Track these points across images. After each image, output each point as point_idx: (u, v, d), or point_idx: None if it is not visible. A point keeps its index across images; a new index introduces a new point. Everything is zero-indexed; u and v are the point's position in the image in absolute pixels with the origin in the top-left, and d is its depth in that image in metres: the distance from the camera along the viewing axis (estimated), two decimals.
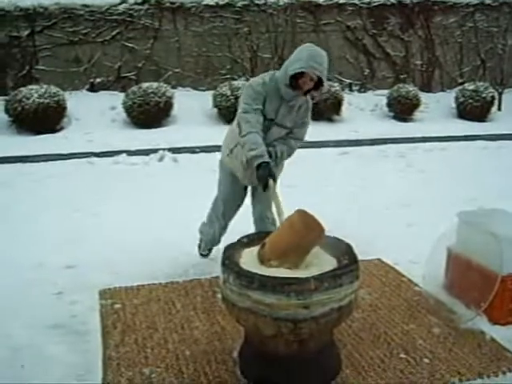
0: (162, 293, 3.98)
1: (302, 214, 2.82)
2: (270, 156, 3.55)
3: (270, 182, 3.34)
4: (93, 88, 11.15)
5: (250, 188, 4.03)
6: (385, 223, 5.34)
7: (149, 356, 3.18)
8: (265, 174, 3.35)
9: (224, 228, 4.19)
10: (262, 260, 2.82)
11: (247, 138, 3.43)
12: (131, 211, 5.75)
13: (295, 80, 3.41)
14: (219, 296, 3.31)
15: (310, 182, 6.83)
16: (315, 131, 10.00)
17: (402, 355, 3.22)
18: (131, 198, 6.26)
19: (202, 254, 4.44)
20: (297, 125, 3.72)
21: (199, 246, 4.45)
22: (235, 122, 3.69)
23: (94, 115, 10.04)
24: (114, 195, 6.37)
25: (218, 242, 4.26)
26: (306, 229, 2.79)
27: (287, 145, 3.74)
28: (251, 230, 3.92)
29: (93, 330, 3.47)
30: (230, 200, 4.04)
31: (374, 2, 12.38)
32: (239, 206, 4.09)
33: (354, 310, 2.95)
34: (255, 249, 2.91)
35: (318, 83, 3.46)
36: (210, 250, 4.40)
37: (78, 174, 7.50)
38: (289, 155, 3.81)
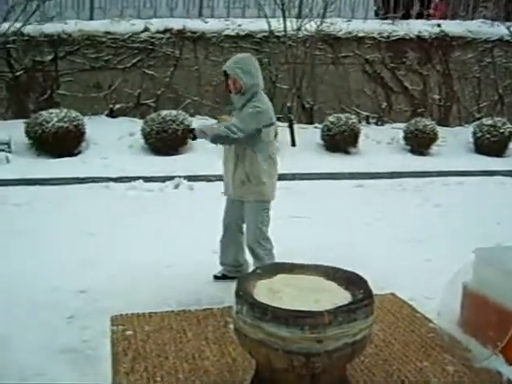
0: (174, 321, 3.96)
1: None
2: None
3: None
4: (112, 114, 11.26)
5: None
6: (400, 257, 5.29)
7: None
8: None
9: None
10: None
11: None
12: (145, 237, 5.76)
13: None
14: (231, 326, 3.28)
15: (324, 214, 6.80)
16: (331, 163, 10.10)
17: None
18: (146, 223, 6.27)
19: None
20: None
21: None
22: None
23: (112, 141, 10.12)
24: (128, 220, 6.40)
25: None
26: None
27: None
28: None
29: (103, 356, 3.46)
30: (226, 211, 4.66)
31: (393, 36, 12.45)
32: None
33: (368, 345, 2.91)
34: (270, 281, 2.89)
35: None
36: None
37: (94, 198, 7.55)
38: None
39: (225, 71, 4.29)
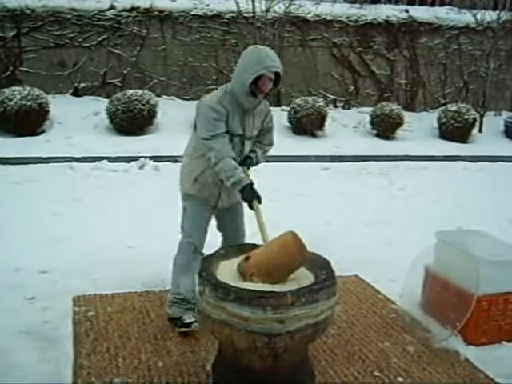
0: (137, 302, 3.94)
1: (296, 237, 2.80)
2: (251, 161, 3.49)
3: (255, 202, 3.21)
4: (77, 93, 11.08)
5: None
6: (364, 240, 5.35)
7: (120, 366, 3.13)
8: (249, 197, 3.21)
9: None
10: (243, 273, 2.79)
11: (220, 167, 3.22)
12: (109, 218, 5.70)
13: (254, 86, 3.22)
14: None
15: (290, 196, 6.82)
16: (298, 145, 10.11)
17: (376, 373, 3.21)
18: (110, 204, 6.21)
19: (189, 324, 3.50)
20: (265, 130, 3.57)
21: (179, 319, 3.56)
22: (192, 147, 3.53)
23: (77, 120, 9.95)
24: (92, 201, 6.32)
25: None
26: (299, 252, 2.78)
27: (263, 149, 3.62)
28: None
29: (65, 338, 3.42)
30: (203, 228, 3.60)
31: (361, 21, 12.49)
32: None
33: (330, 326, 2.94)
34: (233, 261, 2.89)
35: (275, 79, 3.31)
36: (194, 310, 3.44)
37: (58, 179, 7.43)
38: (264, 160, 3.69)
39: (277, 73, 3.30)
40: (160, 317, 3.72)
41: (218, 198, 3.53)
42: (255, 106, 3.36)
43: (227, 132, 3.29)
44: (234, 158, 3.26)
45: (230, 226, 3.71)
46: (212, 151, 3.24)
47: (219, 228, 3.76)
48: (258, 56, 3.20)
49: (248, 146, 3.48)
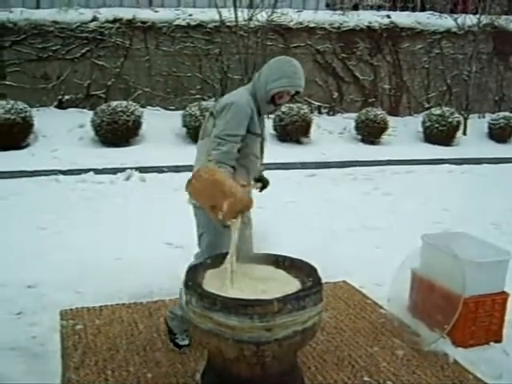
0: (126, 314, 3.93)
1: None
2: (267, 181, 3.54)
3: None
4: (61, 105, 11.03)
5: None
6: (351, 245, 5.36)
7: (109, 379, 3.12)
8: None
9: None
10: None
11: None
12: (96, 230, 5.68)
13: (274, 95, 3.23)
14: None
15: (276, 203, 6.82)
16: (284, 153, 10.13)
17: (366, 378, 3.21)
18: (96, 216, 6.19)
19: (180, 346, 3.45)
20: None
21: (174, 334, 3.47)
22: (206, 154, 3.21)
23: (62, 133, 9.92)
24: (78, 214, 6.29)
25: None
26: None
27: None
28: None
29: (52, 352, 3.40)
30: (223, 247, 3.14)
31: (344, 27, 12.56)
32: None
33: (319, 332, 2.94)
34: (219, 270, 2.88)
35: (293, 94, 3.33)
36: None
37: (44, 192, 7.38)
38: None
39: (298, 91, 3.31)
40: (148, 328, 3.71)
41: None
42: (269, 112, 3.48)
43: (250, 132, 3.23)
44: (233, 167, 3.11)
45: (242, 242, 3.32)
46: (218, 150, 3.07)
47: None
48: (289, 70, 3.22)
49: (263, 149, 3.49)
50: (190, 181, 2.89)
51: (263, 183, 3.52)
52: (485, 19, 12.72)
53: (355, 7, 14.44)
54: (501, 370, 3.34)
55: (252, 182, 3.38)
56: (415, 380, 3.22)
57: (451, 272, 3.60)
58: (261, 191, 3.52)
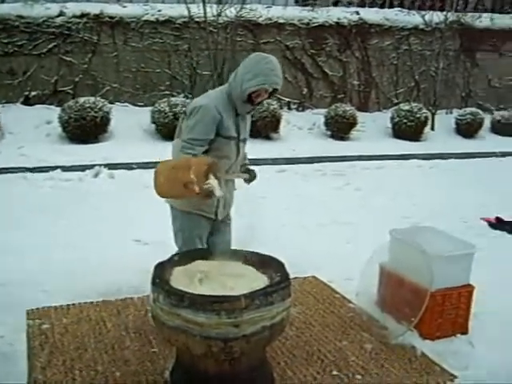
0: (93, 312, 3.88)
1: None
2: (254, 173, 3.56)
3: None
4: (28, 101, 10.85)
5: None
6: (321, 241, 5.38)
7: (77, 378, 3.08)
8: None
9: None
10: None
11: None
12: (64, 228, 5.60)
13: (251, 94, 3.19)
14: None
15: (245, 199, 6.80)
16: (253, 149, 10.09)
17: (335, 372, 3.23)
18: (64, 214, 6.10)
19: None
20: (247, 133, 3.55)
21: None
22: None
23: (29, 129, 9.75)
24: (46, 211, 6.19)
25: None
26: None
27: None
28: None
29: (20, 352, 3.34)
30: (197, 243, 3.39)
31: (313, 23, 12.60)
32: None
33: (287, 327, 2.95)
34: (187, 267, 2.87)
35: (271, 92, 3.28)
36: None
37: (11, 190, 7.24)
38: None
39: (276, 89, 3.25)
40: (117, 326, 3.67)
41: (216, 208, 3.42)
42: (247, 112, 3.37)
43: (220, 136, 3.23)
44: None
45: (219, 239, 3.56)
46: (186, 154, 3.11)
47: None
48: (265, 67, 3.13)
49: (243, 148, 3.47)
50: (154, 183, 2.94)
51: (250, 176, 3.54)
52: (451, 16, 12.88)
53: (335, 4, 14.48)
54: (467, 361, 3.39)
55: (239, 174, 3.45)
56: (384, 373, 3.25)
57: (418, 266, 3.64)
58: (248, 183, 3.57)
